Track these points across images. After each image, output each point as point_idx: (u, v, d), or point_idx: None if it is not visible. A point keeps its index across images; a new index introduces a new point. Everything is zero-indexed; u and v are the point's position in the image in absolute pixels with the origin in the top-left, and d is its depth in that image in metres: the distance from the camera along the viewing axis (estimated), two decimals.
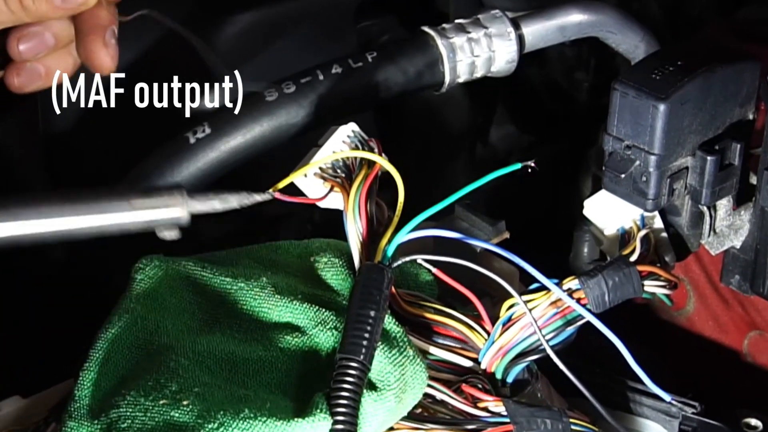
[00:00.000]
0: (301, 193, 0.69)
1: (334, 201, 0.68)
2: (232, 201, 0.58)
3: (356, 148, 0.68)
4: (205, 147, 0.75)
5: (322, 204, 0.68)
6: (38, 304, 0.88)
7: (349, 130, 0.69)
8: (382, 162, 0.67)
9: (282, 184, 0.67)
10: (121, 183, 0.76)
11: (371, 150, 0.68)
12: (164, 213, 0.55)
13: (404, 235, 0.65)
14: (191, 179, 0.75)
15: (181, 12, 0.92)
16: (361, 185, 0.66)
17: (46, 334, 0.86)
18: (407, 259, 0.66)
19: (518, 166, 0.68)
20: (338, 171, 0.68)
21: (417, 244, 0.66)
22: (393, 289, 0.65)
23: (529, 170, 0.68)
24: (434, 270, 0.68)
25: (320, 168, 0.68)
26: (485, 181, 0.67)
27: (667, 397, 0.70)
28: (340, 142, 0.68)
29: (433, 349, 0.66)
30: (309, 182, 0.68)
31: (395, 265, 0.65)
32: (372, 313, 0.61)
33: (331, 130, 0.69)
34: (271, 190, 0.66)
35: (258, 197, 0.59)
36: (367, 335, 0.60)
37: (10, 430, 0.68)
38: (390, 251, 0.65)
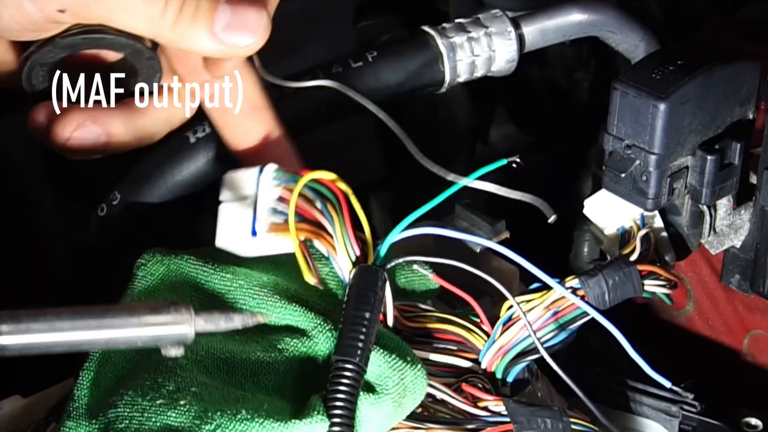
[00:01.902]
0: None
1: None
2: (236, 321, 0.59)
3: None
4: (205, 146, 0.75)
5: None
6: (38, 304, 0.88)
7: (270, 171, 0.65)
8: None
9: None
10: (121, 181, 0.76)
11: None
12: (171, 329, 0.57)
13: (397, 235, 0.65)
14: (191, 178, 0.75)
15: None
16: (343, 225, 0.64)
17: None
18: (401, 260, 0.66)
19: (504, 162, 0.67)
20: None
21: (417, 243, 0.66)
22: (394, 307, 0.65)
23: (514, 165, 0.67)
24: (430, 275, 0.67)
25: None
26: (473, 179, 0.66)
27: (667, 383, 0.69)
28: (272, 188, 0.64)
29: (433, 355, 0.66)
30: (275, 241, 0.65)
31: (389, 266, 0.64)
32: (367, 315, 0.61)
33: (238, 178, 0.65)
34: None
35: (260, 318, 0.60)
36: (362, 337, 0.60)
37: (9, 430, 0.68)
38: (383, 252, 0.65)
